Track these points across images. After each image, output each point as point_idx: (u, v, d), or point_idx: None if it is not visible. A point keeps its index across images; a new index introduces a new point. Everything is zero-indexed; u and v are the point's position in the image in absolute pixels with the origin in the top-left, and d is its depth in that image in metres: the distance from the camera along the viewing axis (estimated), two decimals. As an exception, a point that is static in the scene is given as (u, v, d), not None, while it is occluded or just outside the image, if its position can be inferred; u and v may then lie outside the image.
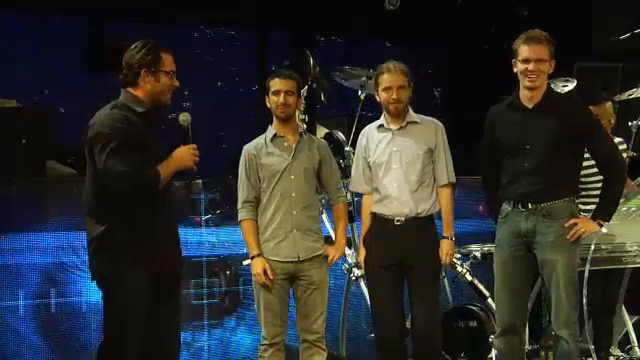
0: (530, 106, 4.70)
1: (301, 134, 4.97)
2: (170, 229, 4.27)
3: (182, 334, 5.68)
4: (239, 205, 4.92)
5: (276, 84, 4.87)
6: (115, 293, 4.12)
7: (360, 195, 5.11)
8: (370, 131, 5.03)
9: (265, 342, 4.86)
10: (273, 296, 4.84)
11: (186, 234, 5.78)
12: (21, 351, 5.64)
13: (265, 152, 4.90)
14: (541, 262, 4.66)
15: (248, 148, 4.95)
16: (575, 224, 4.63)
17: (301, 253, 4.84)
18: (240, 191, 4.93)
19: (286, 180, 4.85)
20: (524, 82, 4.67)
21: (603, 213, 4.71)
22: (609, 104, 5.85)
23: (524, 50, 4.63)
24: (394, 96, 4.86)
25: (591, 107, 5.51)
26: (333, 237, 5.14)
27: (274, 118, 4.93)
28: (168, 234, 4.25)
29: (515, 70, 4.70)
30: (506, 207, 4.75)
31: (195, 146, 4.22)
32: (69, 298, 5.76)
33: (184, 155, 4.18)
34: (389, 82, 4.88)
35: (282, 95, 4.85)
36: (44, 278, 5.72)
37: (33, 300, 5.69)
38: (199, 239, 6.22)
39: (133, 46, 4.20)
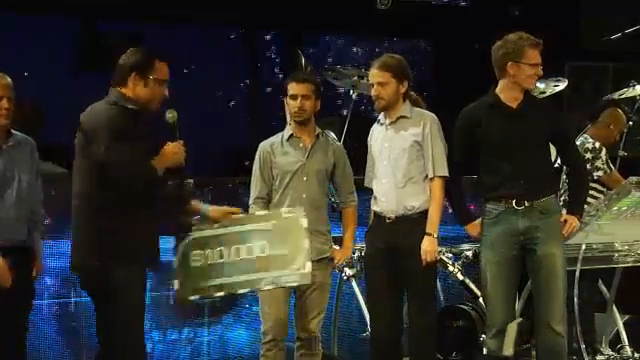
0: (514, 106, 4.74)
1: (318, 136, 4.94)
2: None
3: (184, 330, 6.27)
4: (251, 201, 4.90)
5: (292, 88, 4.84)
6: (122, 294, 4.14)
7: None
8: (374, 125, 5.02)
9: (268, 340, 4.82)
10: (277, 295, 4.79)
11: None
12: (41, 346, 5.79)
13: (280, 151, 4.90)
14: (540, 257, 4.68)
15: (264, 145, 4.95)
16: (566, 220, 4.74)
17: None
18: (253, 187, 4.91)
19: (299, 181, 4.84)
20: (529, 85, 4.74)
21: (579, 209, 4.85)
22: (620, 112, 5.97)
23: (533, 55, 4.68)
24: (374, 93, 4.85)
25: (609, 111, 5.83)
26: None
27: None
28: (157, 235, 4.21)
29: (511, 72, 4.69)
30: (495, 208, 4.75)
31: (182, 142, 4.20)
32: (85, 297, 5.92)
33: (175, 151, 4.17)
34: (370, 78, 4.88)
35: (299, 99, 4.83)
36: (64, 280, 5.85)
37: (55, 300, 5.93)
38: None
39: (131, 49, 4.22)
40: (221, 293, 4.30)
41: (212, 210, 4.45)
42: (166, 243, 4.37)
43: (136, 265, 4.08)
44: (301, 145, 4.90)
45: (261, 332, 4.88)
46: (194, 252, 4.23)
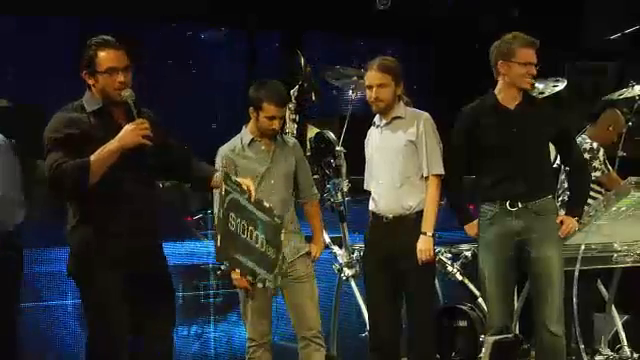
0: (512, 107, 4.74)
1: (275, 137, 4.92)
2: (138, 228, 4.07)
3: (194, 327, 6.56)
4: (215, 209, 4.79)
5: (272, 110, 4.77)
6: (84, 292, 4.10)
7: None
8: (371, 129, 5.03)
9: (254, 343, 4.86)
10: (259, 297, 4.82)
11: (195, 246, 6.67)
12: (68, 341, 6.13)
13: (242, 155, 4.86)
14: (535, 259, 4.69)
15: (224, 150, 4.90)
16: (562, 222, 4.76)
17: (287, 255, 4.77)
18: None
19: (266, 184, 4.81)
20: (522, 84, 4.72)
21: (578, 210, 4.86)
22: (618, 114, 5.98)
23: (527, 54, 4.68)
24: (373, 95, 4.83)
25: (608, 112, 5.88)
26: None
27: (252, 123, 4.88)
28: (134, 233, 4.06)
29: (502, 71, 4.71)
30: (490, 208, 4.76)
31: (142, 120, 3.99)
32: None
33: (127, 132, 3.97)
34: (368, 80, 4.86)
35: (277, 120, 4.81)
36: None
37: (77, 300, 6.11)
38: (206, 250, 6.65)
39: None
40: (249, 278, 4.09)
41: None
42: (168, 247, 4.36)
43: (90, 266, 4.01)
44: (263, 148, 4.88)
45: (246, 337, 4.93)
46: (231, 214, 3.96)
